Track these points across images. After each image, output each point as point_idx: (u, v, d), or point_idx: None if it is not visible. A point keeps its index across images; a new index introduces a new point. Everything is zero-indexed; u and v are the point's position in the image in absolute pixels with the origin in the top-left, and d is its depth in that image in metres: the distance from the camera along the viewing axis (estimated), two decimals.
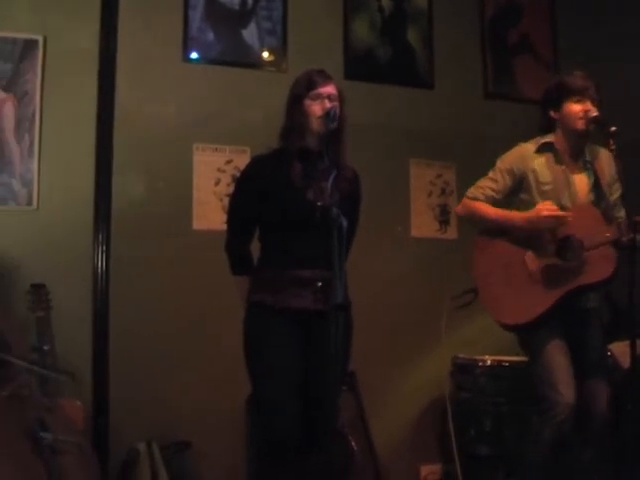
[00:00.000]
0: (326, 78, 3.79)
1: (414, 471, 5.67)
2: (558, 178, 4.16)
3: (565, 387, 3.96)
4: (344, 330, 3.41)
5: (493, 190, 4.26)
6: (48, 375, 4.20)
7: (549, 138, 4.21)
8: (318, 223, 3.52)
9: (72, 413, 4.16)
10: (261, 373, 3.72)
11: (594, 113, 4.04)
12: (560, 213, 4.02)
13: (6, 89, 4.99)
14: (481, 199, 4.26)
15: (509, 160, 4.28)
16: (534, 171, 4.18)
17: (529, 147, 4.25)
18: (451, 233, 6.00)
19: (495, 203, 4.27)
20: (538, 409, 4.05)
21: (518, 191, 4.26)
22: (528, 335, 4.15)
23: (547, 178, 4.16)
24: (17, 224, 4.94)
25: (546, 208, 4.03)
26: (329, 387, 3.35)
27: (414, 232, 5.92)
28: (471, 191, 4.32)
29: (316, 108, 3.71)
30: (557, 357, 4.03)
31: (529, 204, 4.18)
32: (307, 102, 3.73)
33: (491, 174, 4.30)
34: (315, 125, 3.71)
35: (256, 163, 3.91)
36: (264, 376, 3.70)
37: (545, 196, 4.14)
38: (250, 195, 3.82)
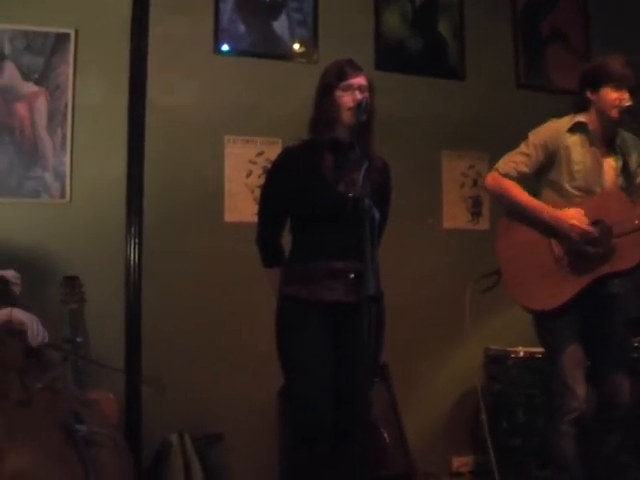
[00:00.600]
0: (356, 69, 3.75)
1: (446, 463, 5.66)
2: (589, 160, 4.10)
3: (580, 388, 3.94)
4: (376, 322, 3.40)
5: (525, 165, 4.18)
6: (98, 367, 4.24)
7: (582, 117, 4.14)
8: (349, 215, 3.52)
9: (105, 405, 4.18)
10: (293, 366, 3.71)
11: (628, 103, 3.99)
12: (586, 228, 3.97)
13: (38, 83, 5.01)
14: (513, 175, 4.18)
15: (543, 134, 4.20)
16: (567, 148, 4.11)
17: (563, 124, 4.17)
18: (483, 224, 5.97)
19: (524, 179, 4.21)
20: (551, 403, 4.04)
21: (547, 169, 4.20)
22: (549, 325, 4.11)
23: (579, 157, 4.10)
24: (50, 217, 4.97)
25: (577, 218, 3.98)
26: (361, 379, 3.34)
27: (446, 224, 5.90)
28: (502, 166, 4.24)
29: (347, 99, 3.68)
30: (575, 355, 4.00)
31: (557, 187, 4.14)
32: (338, 93, 3.69)
33: (523, 148, 4.21)
34: (345, 116, 3.68)
35: (287, 155, 3.89)
36: (296, 369, 3.69)
37: (574, 178, 4.09)
38: (281, 187, 3.80)
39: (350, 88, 3.69)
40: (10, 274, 4.07)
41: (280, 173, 3.84)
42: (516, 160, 4.20)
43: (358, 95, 3.67)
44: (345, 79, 3.70)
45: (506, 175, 4.20)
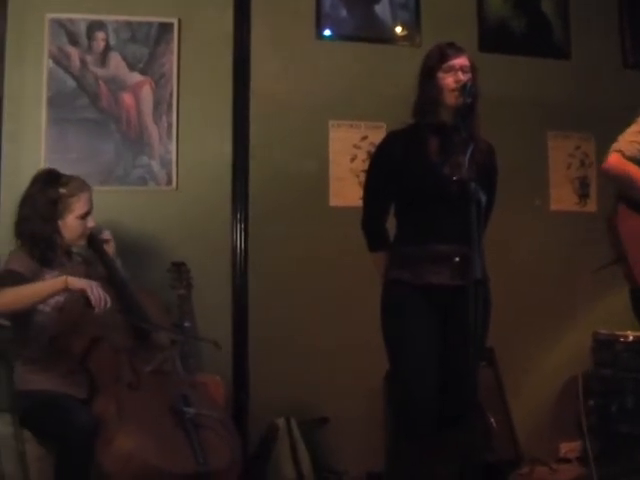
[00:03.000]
0: (458, 50, 3.70)
1: (553, 449, 5.59)
2: None
3: None
4: (483, 305, 3.38)
5: None
6: (192, 342, 4.28)
7: None
8: (455, 198, 3.51)
9: (213, 389, 4.23)
10: (399, 350, 3.70)
11: None
12: None
13: (143, 72, 5.08)
14: (638, 158, 4.03)
15: None
16: None
17: None
18: (590, 206, 5.86)
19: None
20: None
21: None
22: None
23: None
24: (157, 204, 5.04)
25: None
26: (468, 363, 3.32)
27: (553, 205, 5.81)
28: (626, 147, 3.97)
29: (449, 81, 3.63)
30: None
31: None
32: (440, 75, 3.64)
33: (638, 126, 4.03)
34: (449, 98, 3.63)
35: (390, 139, 3.87)
36: (402, 353, 3.68)
37: None
38: (385, 171, 3.78)
39: (452, 69, 3.64)
40: (105, 233, 4.15)
41: (384, 157, 3.82)
42: (639, 140, 4.02)
43: (461, 76, 3.62)
44: (447, 60, 3.65)
45: (631, 158, 3.99)
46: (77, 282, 3.56)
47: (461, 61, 3.66)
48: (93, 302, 3.49)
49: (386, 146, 3.85)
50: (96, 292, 3.51)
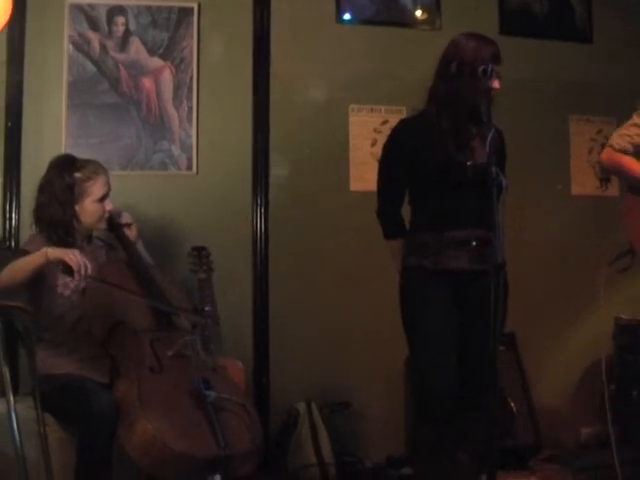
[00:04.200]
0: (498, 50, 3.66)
1: (574, 434, 5.57)
2: None
3: None
4: (503, 290, 3.38)
5: None
6: (212, 325, 4.30)
7: None
8: (470, 183, 3.53)
9: (234, 373, 4.23)
10: (418, 336, 3.70)
11: None
12: None
13: (163, 57, 5.08)
14: (630, 151, 4.06)
15: None
16: None
17: None
18: (612, 191, 5.83)
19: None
20: None
21: None
22: None
23: None
24: (177, 189, 5.05)
25: None
26: (488, 348, 3.31)
27: (574, 190, 5.78)
28: (617, 141, 4.13)
29: (495, 84, 3.56)
30: None
31: None
32: (482, 77, 3.54)
33: (636, 119, 4.10)
34: (482, 100, 3.59)
35: (404, 126, 3.86)
36: (421, 339, 3.69)
37: None
38: (400, 158, 3.77)
39: (497, 74, 3.59)
40: (125, 217, 4.15)
41: (398, 144, 3.81)
42: (630, 133, 4.08)
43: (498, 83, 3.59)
44: (497, 63, 3.58)
45: (622, 151, 4.08)
46: (56, 252, 3.53)
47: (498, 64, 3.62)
48: (74, 268, 3.46)
49: (399, 133, 3.83)
50: (74, 258, 3.47)
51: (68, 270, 3.48)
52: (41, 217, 3.90)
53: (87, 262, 3.50)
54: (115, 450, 3.40)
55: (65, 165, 3.93)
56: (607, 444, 5.16)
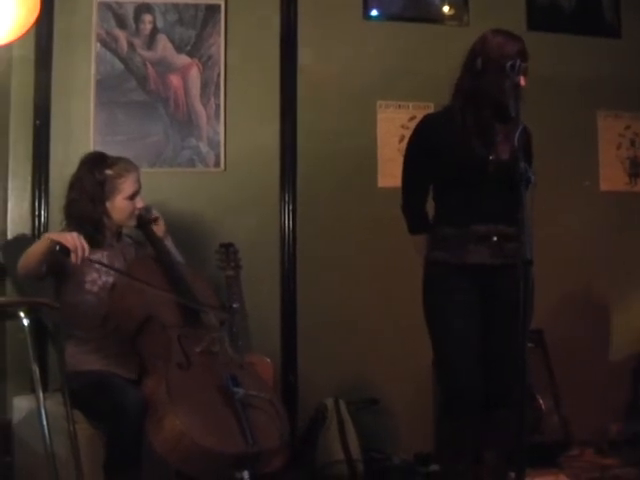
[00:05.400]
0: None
1: (603, 430, 5.54)
2: None
3: None
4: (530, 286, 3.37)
5: None
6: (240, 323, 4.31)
7: None
8: (492, 178, 3.53)
9: (262, 370, 4.24)
10: (441, 331, 3.70)
11: None
12: None
13: (191, 54, 5.10)
14: None
15: None
16: None
17: None
18: None
19: None
20: None
21: None
22: None
23: None
24: (205, 185, 5.07)
25: None
26: (514, 343, 3.30)
27: (603, 186, 5.75)
28: None
29: (522, 80, 3.54)
30: None
31: None
32: (510, 73, 3.51)
33: None
34: (510, 97, 3.57)
35: (427, 121, 3.85)
36: (444, 334, 3.69)
37: None
38: (424, 153, 3.78)
39: (524, 71, 3.58)
40: (153, 213, 4.16)
41: (422, 140, 3.81)
42: None
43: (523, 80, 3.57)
44: (524, 61, 3.56)
45: None
46: (57, 235, 3.50)
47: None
48: (70, 249, 3.41)
49: (423, 128, 3.83)
50: (70, 239, 3.42)
51: (64, 251, 3.43)
52: (71, 213, 3.92)
53: (85, 244, 3.44)
54: (144, 446, 3.42)
55: (96, 162, 3.95)
56: (637, 441, 5.16)
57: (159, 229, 4.13)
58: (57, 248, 3.43)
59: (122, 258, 3.96)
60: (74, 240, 3.42)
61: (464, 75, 3.71)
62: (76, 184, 3.92)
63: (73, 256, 3.43)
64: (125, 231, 4.13)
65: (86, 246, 3.46)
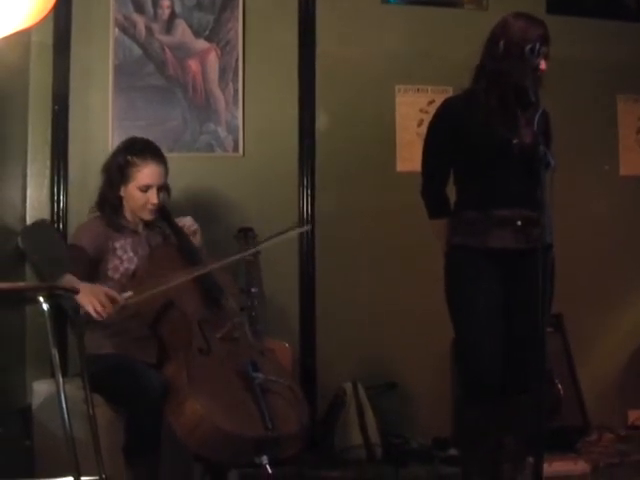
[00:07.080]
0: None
1: (622, 416, 5.54)
2: None
3: None
4: (550, 271, 3.37)
5: None
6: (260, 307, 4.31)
7: None
8: (515, 162, 3.52)
9: (281, 355, 4.24)
10: (464, 316, 3.69)
11: None
12: None
13: (209, 39, 5.10)
14: None
15: None
16: None
17: None
18: None
19: None
20: None
21: None
22: None
23: None
24: (224, 170, 5.07)
25: None
26: (536, 327, 3.29)
27: (622, 170, 5.71)
28: None
29: (542, 65, 3.54)
30: None
31: None
32: (529, 56, 3.51)
33: None
34: (530, 80, 3.56)
35: (448, 105, 3.83)
36: (467, 319, 3.68)
37: None
38: (443, 137, 3.76)
39: (545, 54, 3.56)
40: (187, 222, 4.15)
41: (442, 123, 3.79)
42: None
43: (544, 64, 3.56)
44: (546, 45, 3.55)
45: None
46: (79, 298, 3.46)
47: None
48: (90, 312, 3.46)
49: (444, 111, 3.81)
50: (90, 305, 3.45)
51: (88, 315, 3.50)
52: (98, 195, 3.99)
53: (104, 300, 3.46)
54: (163, 430, 3.43)
55: (124, 146, 3.99)
56: None
57: (195, 240, 4.12)
58: (81, 312, 3.50)
59: (147, 245, 3.96)
60: (93, 304, 3.45)
61: (486, 58, 3.69)
62: (105, 166, 3.99)
63: (96, 317, 3.47)
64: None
65: (107, 303, 3.47)
